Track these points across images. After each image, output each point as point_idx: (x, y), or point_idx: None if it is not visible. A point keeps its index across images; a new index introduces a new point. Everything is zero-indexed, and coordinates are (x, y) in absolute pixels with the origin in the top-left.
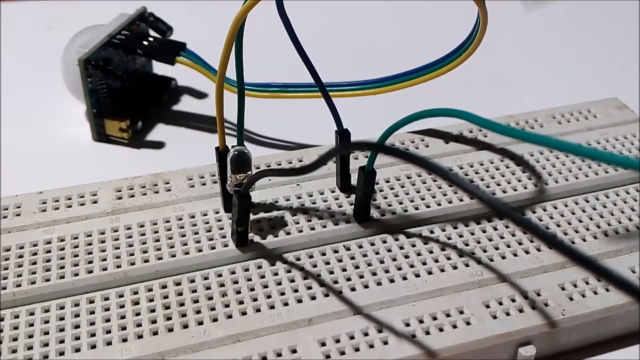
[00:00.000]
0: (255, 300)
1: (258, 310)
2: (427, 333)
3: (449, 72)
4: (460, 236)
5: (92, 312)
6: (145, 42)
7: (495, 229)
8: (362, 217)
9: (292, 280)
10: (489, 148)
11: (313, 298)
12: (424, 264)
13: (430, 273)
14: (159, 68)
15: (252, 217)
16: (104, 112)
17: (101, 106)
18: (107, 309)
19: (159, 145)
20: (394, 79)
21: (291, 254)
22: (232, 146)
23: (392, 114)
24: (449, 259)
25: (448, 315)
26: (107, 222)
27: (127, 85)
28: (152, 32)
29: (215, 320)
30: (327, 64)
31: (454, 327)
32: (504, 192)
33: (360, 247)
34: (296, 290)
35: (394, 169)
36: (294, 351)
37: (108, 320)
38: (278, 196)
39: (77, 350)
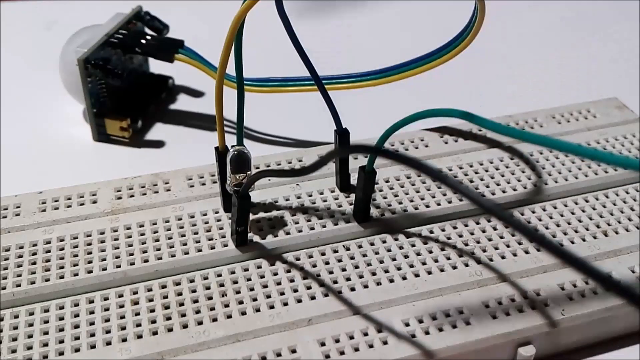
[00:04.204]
0: (254, 300)
1: (257, 310)
2: (427, 333)
3: (446, 62)
4: (460, 236)
5: (92, 312)
6: (143, 41)
7: (495, 229)
8: (362, 217)
9: (292, 280)
10: (488, 148)
11: (312, 298)
12: (424, 263)
13: (429, 273)
14: (156, 67)
15: (251, 217)
16: (104, 112)
17: (101, 106)
18: (107, 309)
19: (158, 144)
20: (391, 70)
21: (291, 254)
22: (232, 146)
23: (392, 113)
24: (448, 258)
25: (447, 315)
26: (107, 222)
27: (126, 84)
28: (148, 31)
29: (214, 320)
30: (325, 62)
31: (454, 327)
32: (504, 192)
33: (360, 247)
34: (296, 290)
35: (394, 168)
36: (294, 351)
37: (107, 320)
38: (278, 196)
39: (77, 350)
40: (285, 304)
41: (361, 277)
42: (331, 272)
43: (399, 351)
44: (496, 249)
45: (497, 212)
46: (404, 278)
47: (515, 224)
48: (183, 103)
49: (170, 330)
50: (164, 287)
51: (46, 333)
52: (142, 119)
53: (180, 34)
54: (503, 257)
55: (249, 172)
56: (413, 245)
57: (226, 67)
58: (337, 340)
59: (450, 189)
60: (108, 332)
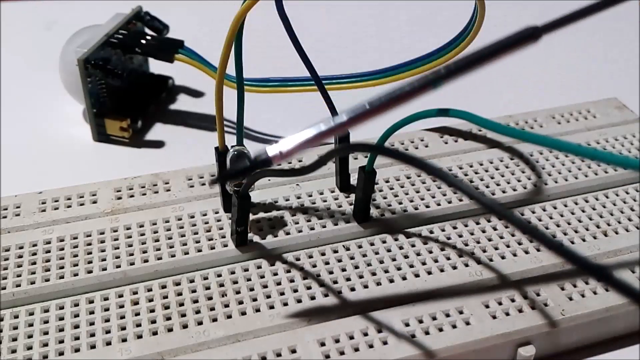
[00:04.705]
0: (254, 300)
1: (257, 310)
2: (427, 333)
3: (446, 62)
4: (460, 236)
5: (92, 312)
6: (143, 41)
7: (495, 229)
8: (362, 217)
9: (292, 280)
10: (488, 148)
11: (312, 298)
12: (424, 264)
13: (429, 273)
14: (156, 67)
15: (251, 217)
16: (104, 112)
17: (101, 106)
18: (107, 309)
19: (158, 144)
20: (391, 70)
21: (290, 254)
22: (232, 146)
23: (392, 113)
24: (448, 259)
25: (447, 315)
26: (107, 222)
27: (126, 84)
28: (148, 31)
29: (214, 320)
30: (325, 62)
31: (454, 327)
32: (504, 192)
33: (360, 247)
34: (295, 290)
35: (394, 169)
36: (294, 351)
37: (107, 320)
38: (277, 196)
39: (77, 350)
40: (285, 304)
41: (361, 277)
42: (331, 272)
43: (399, 351)
44: (496, 249)
45: (498, 210)
46: (404, 278)
47: (515, 222)
48: (183, 103)
49: (170, 330)
50: (163, 287)
51: (46, 333)
52: (142, 119)
53: (180, 34)
54: (503, 257)
55: None
56: (413, 245)
57: (226, 67)
58: (337, 340)
59: (451, 187)
60: (108, 332)
